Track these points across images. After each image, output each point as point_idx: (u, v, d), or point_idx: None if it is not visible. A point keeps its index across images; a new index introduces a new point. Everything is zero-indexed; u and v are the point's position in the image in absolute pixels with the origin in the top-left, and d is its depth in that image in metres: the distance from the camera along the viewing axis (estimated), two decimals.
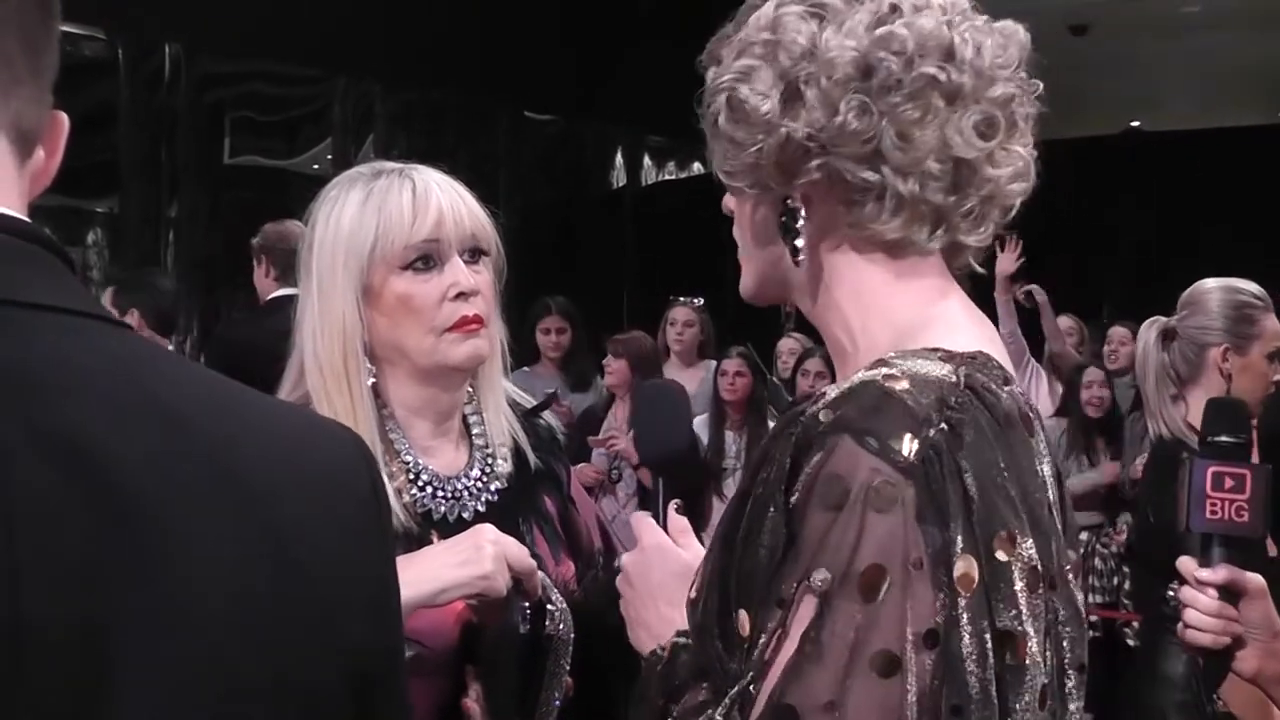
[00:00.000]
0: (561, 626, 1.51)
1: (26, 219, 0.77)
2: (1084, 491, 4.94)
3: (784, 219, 1.06)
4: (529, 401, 1.75)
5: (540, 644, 1.50)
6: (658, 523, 1.25)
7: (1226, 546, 1.67)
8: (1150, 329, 2.72)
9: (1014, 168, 1.05)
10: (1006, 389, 0.98)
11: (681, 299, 5.65)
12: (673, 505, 1.27)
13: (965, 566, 0.89)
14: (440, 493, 1.59)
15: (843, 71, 1.00)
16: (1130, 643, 4.44)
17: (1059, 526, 0.99)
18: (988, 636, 0.90)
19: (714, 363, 5.23)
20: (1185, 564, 1.69)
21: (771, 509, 0.93)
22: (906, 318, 1.04)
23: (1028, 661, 0.92)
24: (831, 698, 0.88)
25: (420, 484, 1.58)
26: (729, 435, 4.95)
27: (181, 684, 0.71)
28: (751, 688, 0.93)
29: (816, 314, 1.10)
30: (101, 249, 7.25)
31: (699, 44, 1.11)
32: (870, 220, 1.02)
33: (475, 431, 1.65)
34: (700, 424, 4.81)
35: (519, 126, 9.67)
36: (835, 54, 1.00)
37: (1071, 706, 0.99)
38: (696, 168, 11.05)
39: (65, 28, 0.80)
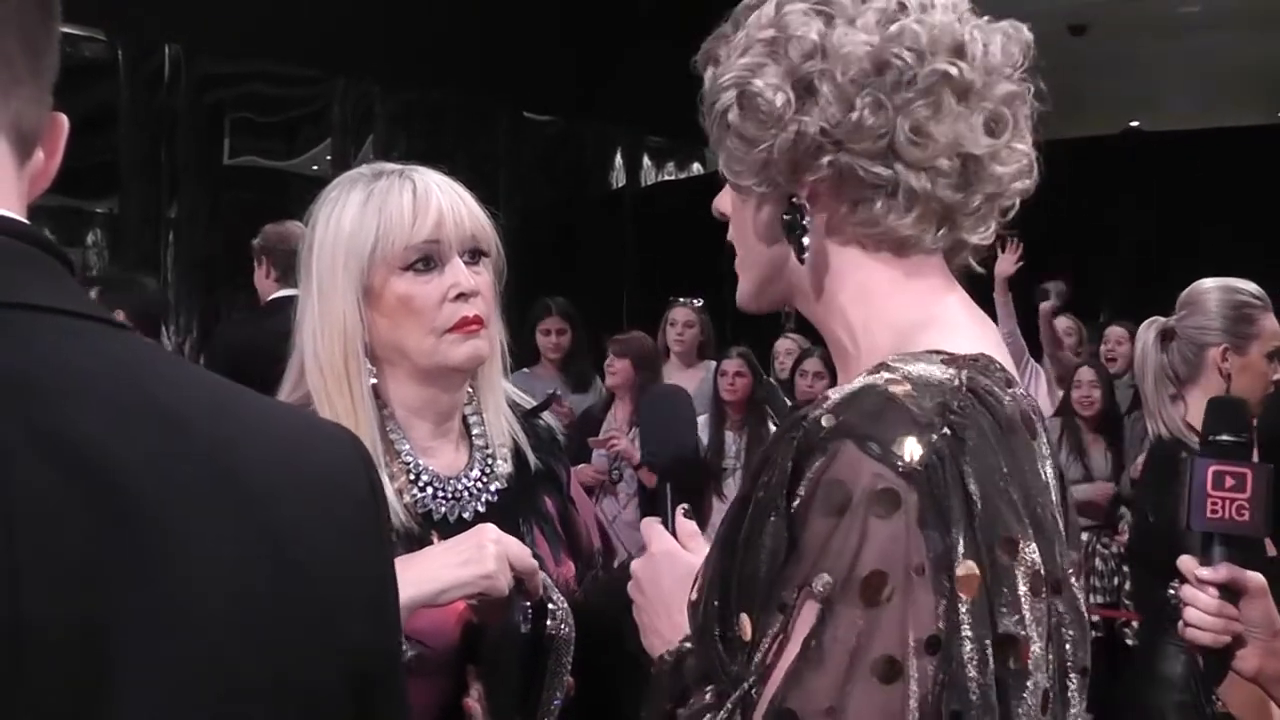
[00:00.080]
0: (563, 626, 1.51)
1: (26, 221, 0.77)
2: (1077, 503, 4.93)
3: (789, 217, 1.05)
4: (528, 402, 1.75)
5: (542, 644, 1.50)
6: (665, 528, 1.25)
7: (1227, 545, 1.67)
8: (1149, 329, 2.72)
9: (1018, 165, 1.05)
10: (1009, 391, 0.98)
11: (681, 299, 5.65)
12: (680, 510, 1.27)
13: (967, 572, 0.89)
14: (440, 493, 1.59)
15: (857, 67, 1.00)
16: (1130, 643, 4.43)
17: (1062, 528, 0.99)
18: (989, 642, 0.89)
19: (714, 363, 5.23)
20: (1186, 563, 1.69)
21: (773, 514, 0.93)
22: (908, 317, 1.04)
23: (1030, 666, 0.91)
24: (832, 703, 0.88)
25: (420, 484, 1.58)
26: (729, 435, 4.96)
27: (181, 684, 0.71)
28: (753, 692, 0.93)
29: (818, 314, 1.10)
30: (101, 249, 7.26)
31: (699, 44, 1.11)
32: (880, 217, 1.02)
33: (475, 432, 1.65)
34: (700, 424, 4.81)
35: (519, 127, 9.68)
36: (849, 49, 1.00)
37: (1073, 710, 0.99)
38: (696, 168, 11.06)
39: (65, 29, 0.80)
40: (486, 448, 1.65)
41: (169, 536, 0.72)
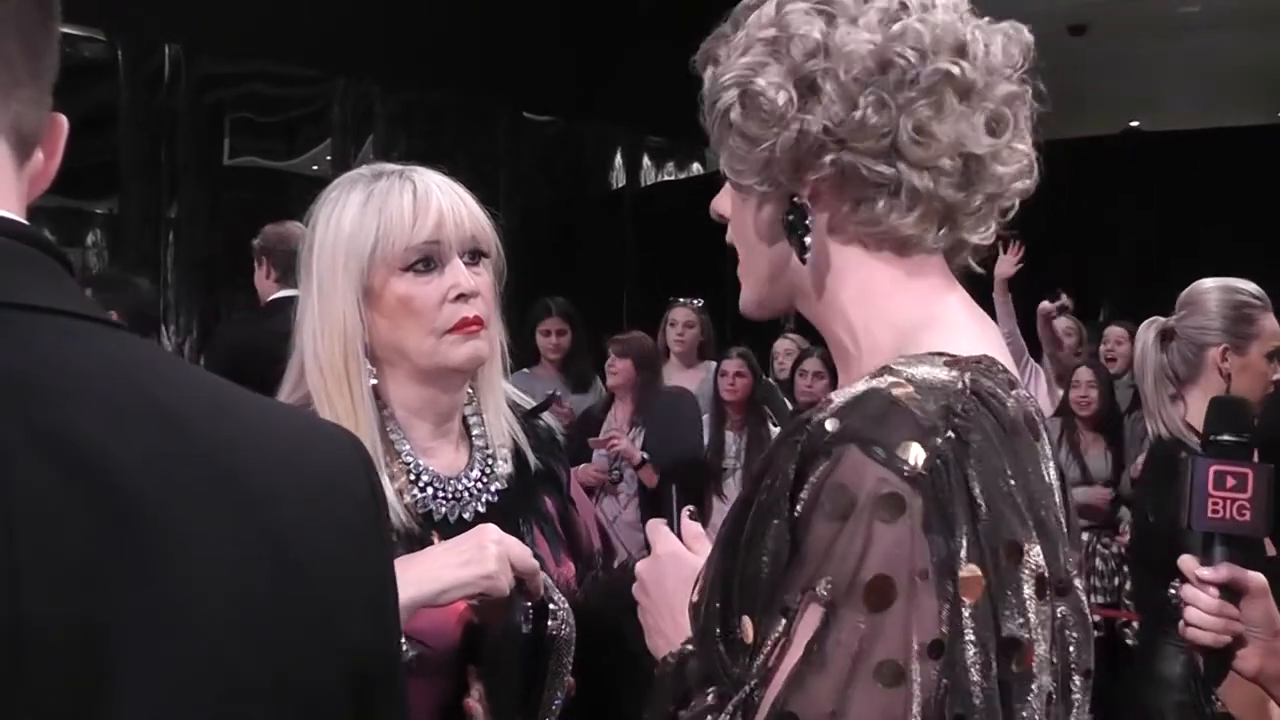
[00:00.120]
0: (564, 627, 1.52)
1: (25, 222, 0.77)
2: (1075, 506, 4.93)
3: (791, 217, 1.05)
4: (528, 403, 1.75)
5: (542, 644, 1.51)
6: (671, 529, 1.25)
7: (1228, 545, 1.67)
8: (1149, 329, 2.72)
9: (1018, 165, 1.05)
10: (1012, 393, 0.98)
11: (681, 300, 5.65)
12: (686, 512, 1.27)
13: (970, 575, 0.89)
14: (441, 493, 1.59)
15: (860, 66, 1.00)
16: (1129, 643, 4.43)
17: (1065, 530, 0.99)
18: (992, 646, 0.89)
19: (714, 363, 5.23)
20: (1187, 562, 1.69)
21: (776, 517, 0.93)
22: (909, 317, 1.04)
23: (1034, 669, 0.91)
24: (834, 707, 0.87)
25: (421, 485, 1.58)
26: (729, 435, 4.96)
27: (181, 684, 0.71)
28: (755, 695, 0.93)
29: (819, 314, 1.10)
30: (101, 250, 7.26)
31: (699, 44, 1.11)
32: (881, 217, 1.02)
33: (475, 433, 1.66)
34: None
35: (519, 127, 9.68)
36: (852, 48, 1.00)
37: (1076, 712, 0.99)
38: (696, 168, 11.06)
39: (65, 29, 0.80)
40: (486, 448, 1.65)
41: (169, 537, 0.72)
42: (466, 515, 1.59)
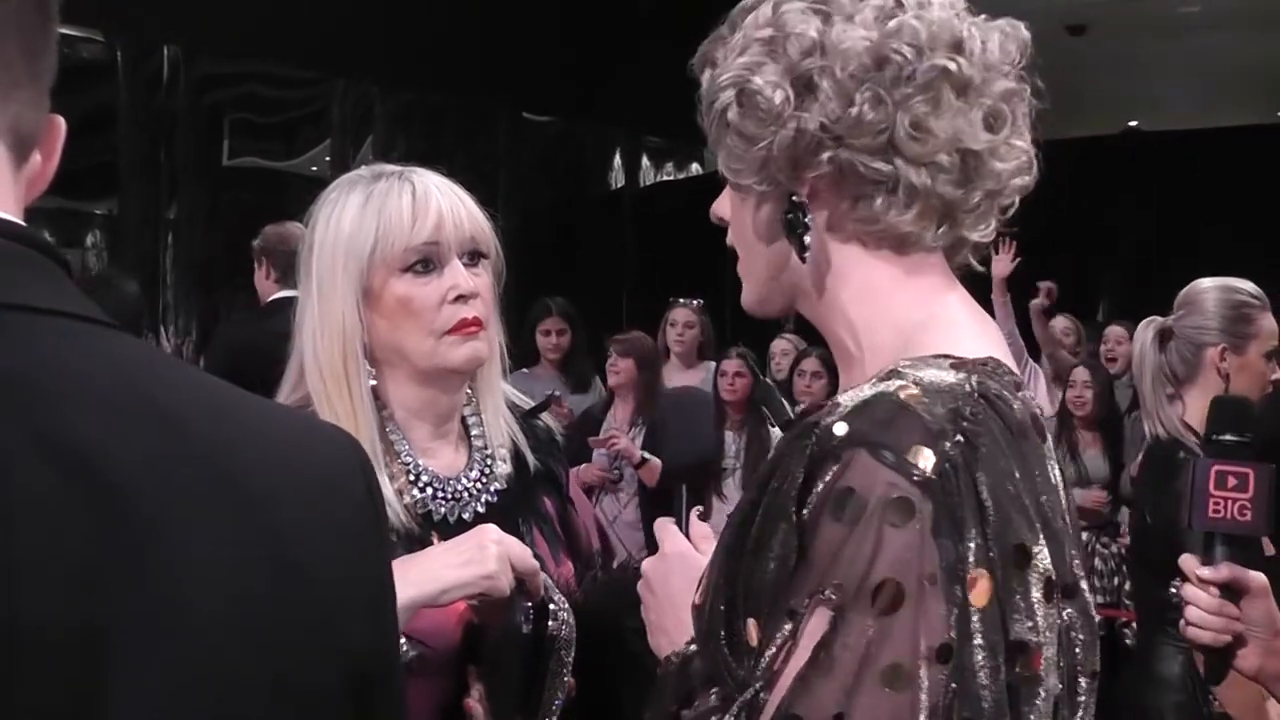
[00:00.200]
0: (564, 627, 1.52)
1: (23, 223, 0.77)
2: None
3: (790, 215, 1.05)
4: (527, 403, 1.76)
5: (543, 644, 1.51)
6: (679, 529, 1.25)
7: (1229, 545, 1.67)
8: (1147, 329, 2.72)
9: (1017, 162, 1.05)
10: (1019, 396, 0.98)
11: (681, 300, 5.65)
12: (694, 512, 1.27)
13: (979, 580, 0.89)
14: (440, 494, 1.59)
15: (856, 63, 1.00)
16: (1129, 643, 4.43)
17: (1070, 531, 0.99)
18: (1001, 649, 0.89)
19: (714, 364, 5.23)
20: (1187, 562, 1.69)
21: (783, 520, 0.93)
22: (910, 317, 1.04)
23: (1041, 672, 0.92)
24: (840, 710, 0.87)
25: (420, 485, 1.58)
26: (729, 435, 4.95)
27: (180, 685, 0.71)
28: (760, 697, 0.92)
29: (820, 313, 1.10)
30: (100, 251, 7.26)
31: (699, 45, 1.11)
32: (880, 214, 1.02)
33: (474, 433, 1.66)
34: None
35: (518, 127, 9.68)
36: (848, 45, 1.00)
37: (1082, 713, 0.99)
38: (696, 168, 11.06)
39: (64, 30, 0.80)
40: (485, 449, 1.65)
41: (168, 538, 0.72)
42: (466, 516, 1.59)
